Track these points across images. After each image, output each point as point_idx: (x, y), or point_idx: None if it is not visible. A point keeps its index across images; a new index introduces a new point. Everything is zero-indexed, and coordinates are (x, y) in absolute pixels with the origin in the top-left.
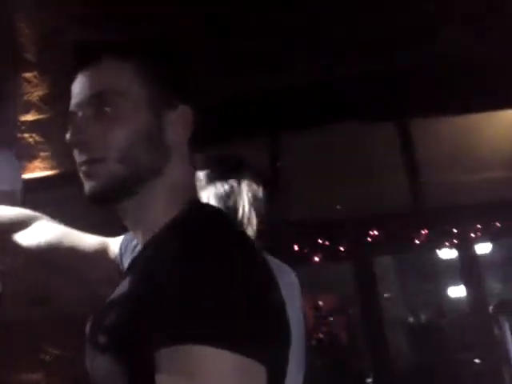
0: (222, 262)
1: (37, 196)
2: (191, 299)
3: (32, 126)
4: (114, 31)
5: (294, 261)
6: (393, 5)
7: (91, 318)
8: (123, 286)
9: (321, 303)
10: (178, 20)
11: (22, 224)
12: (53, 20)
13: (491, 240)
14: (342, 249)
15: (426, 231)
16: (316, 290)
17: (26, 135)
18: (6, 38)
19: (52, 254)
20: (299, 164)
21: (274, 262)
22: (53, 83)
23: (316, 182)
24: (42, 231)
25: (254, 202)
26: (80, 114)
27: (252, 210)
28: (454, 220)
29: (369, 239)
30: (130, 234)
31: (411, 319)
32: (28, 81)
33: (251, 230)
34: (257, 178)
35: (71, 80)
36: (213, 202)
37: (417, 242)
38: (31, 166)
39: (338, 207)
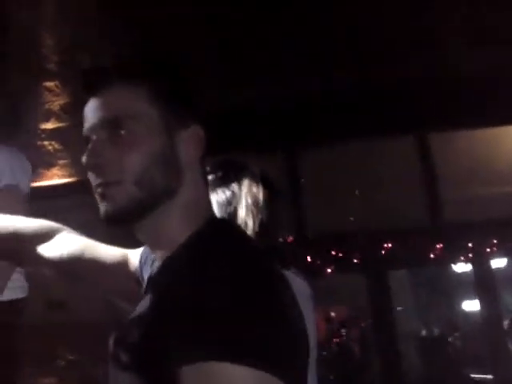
0: (240, 279)
1: (55, 203)
2: (212, 317)
3: (52, 134)
4: (129, 45)
5: (307, 272)
6: (407, 16)
7: (113, 336)
8: (144, 305)
9: (333, 314)
10: (191, 39)
11: (45, 236)
12: (74, 31)
13: (507, 255)
14: (355, 261)
15: (442, 245)
16: (329, 302)
17: (46, 143)
18: (29, 49)
19: (74, 265)
20: (316, 178)
21: (289, 274)
22: (73, 93)
23: (332, 196)
24: (64, 243)
25: (254, 205)
26: (94, 137)
27: (250, 214)
28: (469, 234)
29: (383, 252)
30: None
31: (424, 332)
32: (49, 90)
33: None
34: (258, 181)
35: None
36: (215, 208)
37: (432, 255)
38: (49, 173)
39: (352, 219)
